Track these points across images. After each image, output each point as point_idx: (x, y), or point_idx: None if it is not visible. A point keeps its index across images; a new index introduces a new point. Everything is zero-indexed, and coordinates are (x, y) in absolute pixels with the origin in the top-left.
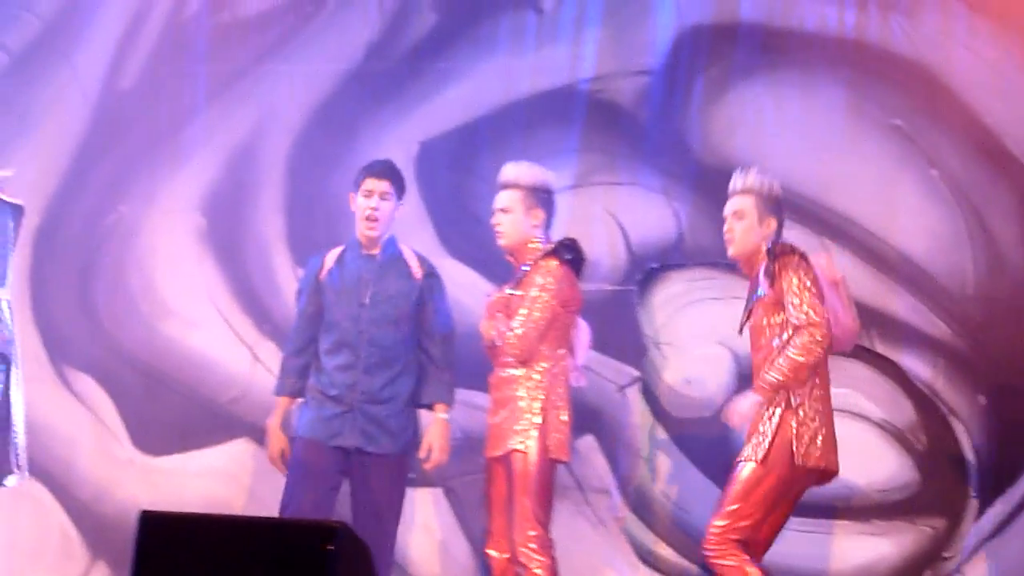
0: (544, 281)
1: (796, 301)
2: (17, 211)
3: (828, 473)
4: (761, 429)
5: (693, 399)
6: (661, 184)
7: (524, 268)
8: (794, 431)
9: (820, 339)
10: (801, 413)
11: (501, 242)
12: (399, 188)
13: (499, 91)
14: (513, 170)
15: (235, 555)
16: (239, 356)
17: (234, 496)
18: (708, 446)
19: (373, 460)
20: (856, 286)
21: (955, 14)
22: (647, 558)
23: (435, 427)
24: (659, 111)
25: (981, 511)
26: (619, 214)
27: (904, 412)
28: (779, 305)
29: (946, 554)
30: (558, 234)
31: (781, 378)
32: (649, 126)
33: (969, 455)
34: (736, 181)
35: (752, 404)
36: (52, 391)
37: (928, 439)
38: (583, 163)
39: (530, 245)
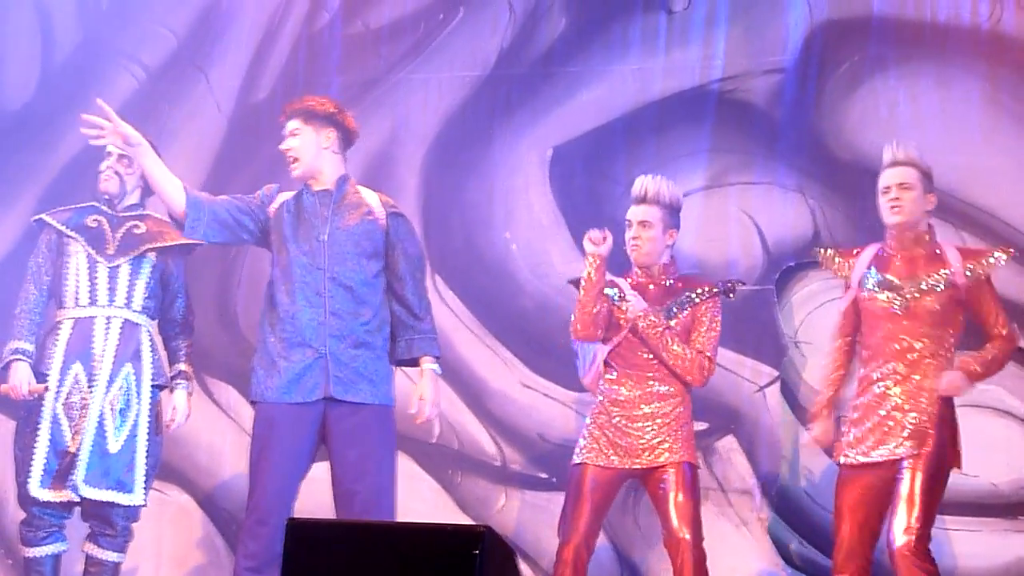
0: (717, 318)
1: (998, 313)
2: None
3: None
4: (923, 422)
5: None
6: (796, 182)
7: (689, 294)
8: (953, 428)
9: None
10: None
11: (636, 257)
12: (316, 119)
13: (631, 93)
14: (653, 185)
15: (381, 561)
16: None
17: None
18: None
19: (355, 411)
20: (998, 280)
21: None
22: (791, 559)
23: (426, 379)
24: (792, 109)
25: None
26: (755, 213)
27: None
28: (962, 304)
29: None
30: (697, 233)
31: (987, 374)
32: (782, 124)
33: None
34: (897, 152)
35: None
36: (196, 402)
37: None
38: (717, 163)
39: (663, 262)
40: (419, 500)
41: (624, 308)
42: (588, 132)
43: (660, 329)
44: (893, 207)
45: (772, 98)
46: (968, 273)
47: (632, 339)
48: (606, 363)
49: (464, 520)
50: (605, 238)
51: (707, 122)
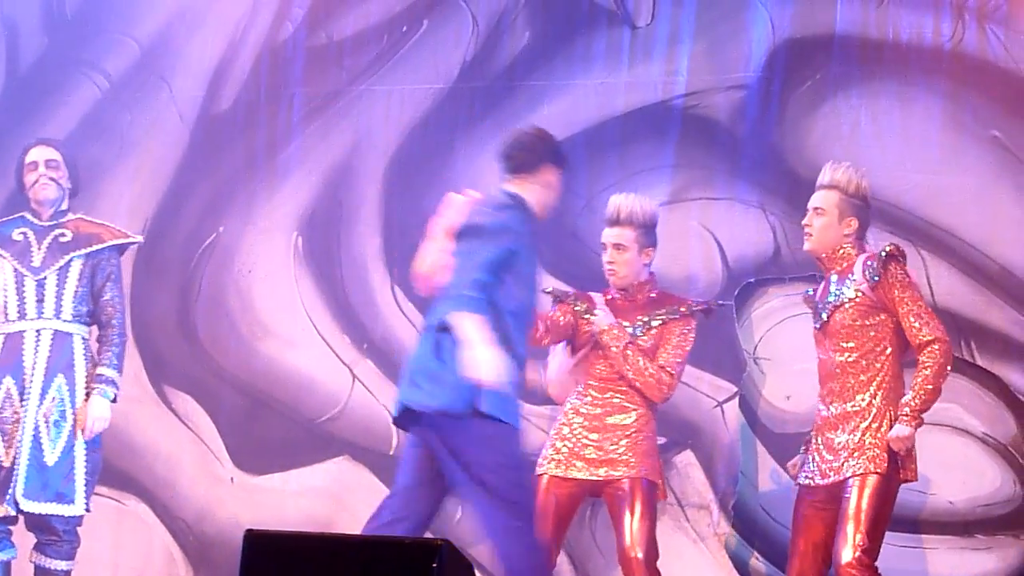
0: (688, 337)
1: (922, 315)
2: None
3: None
4: (868, 441)
5: (793, 414)
6: (758, 198)
7: (660, 315)
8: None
9: (949, 355)
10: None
11: (613, 281)
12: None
13: (594, 108)
14: (627, 205)
15: (339, 573)
16: (338, 375)
17: (335, 515)
18: None
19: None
20: (956, 299)
21: None
22: (748, 574)
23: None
24: (754, 125)
25: None
26: (716, 229)
27: (1006, 426)
28: (879, 310)
29: None
30: (658, 248)
31: (928, 405)
32: (745, 140)
33: None
34: (824, 174)
35: (909, 435)
36: (153, 411)
37: None
38: (679, 179)
39: (641, 280)
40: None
41: (591, 321)
42: None
43: (622, 344)
44: (805, 233)
45: (735, 114)
46: (872, 278)
47: (597, 352)
48: (577, 378)
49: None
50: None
51: (670, 137)
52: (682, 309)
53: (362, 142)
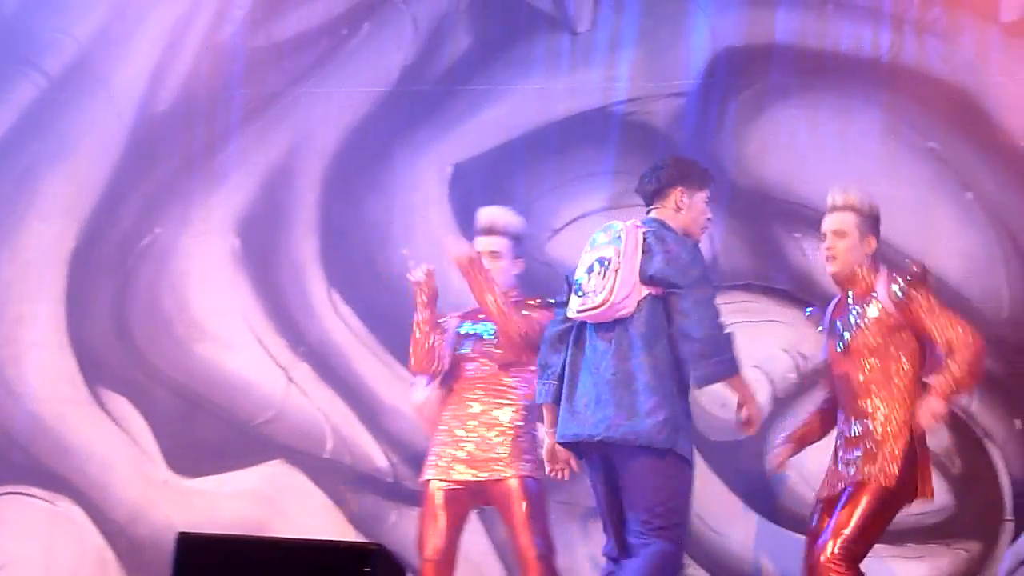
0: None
1: (954, 323)
2: None
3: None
4: (885, 453)
5: (729, 422)
6: None
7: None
8: (923, 461)
9: (982, 352)
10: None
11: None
12: None
13: (534, 113)
14: (487, 215)
15: None
16: (273, 378)
17: (268, 518)
18: (743, 469)
19: None
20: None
21: (990, 37)
22: None
23: None
24: (693, 133)
25: (1016, 534)
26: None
27: (939, 435)
28: (902, 328)
29: None
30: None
31: (955, 388)
32: (683, 148)
33: (1004, 478)
34: (835, 197)
35: (940, 408)
36: (88, 413)
37: (963, 462)
38: (617, 185)
39: (507, 289)
40: (311, 515)
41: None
42: (489, 150)
43: (485, 274)
44: (827, 256)
45: (674, 122)
46: (897, 295)
47: (468, 355)
48: (446, 386)
49: (356, 537)
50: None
51: (609, 143)
52: (537, 300)
53: (301, 144)
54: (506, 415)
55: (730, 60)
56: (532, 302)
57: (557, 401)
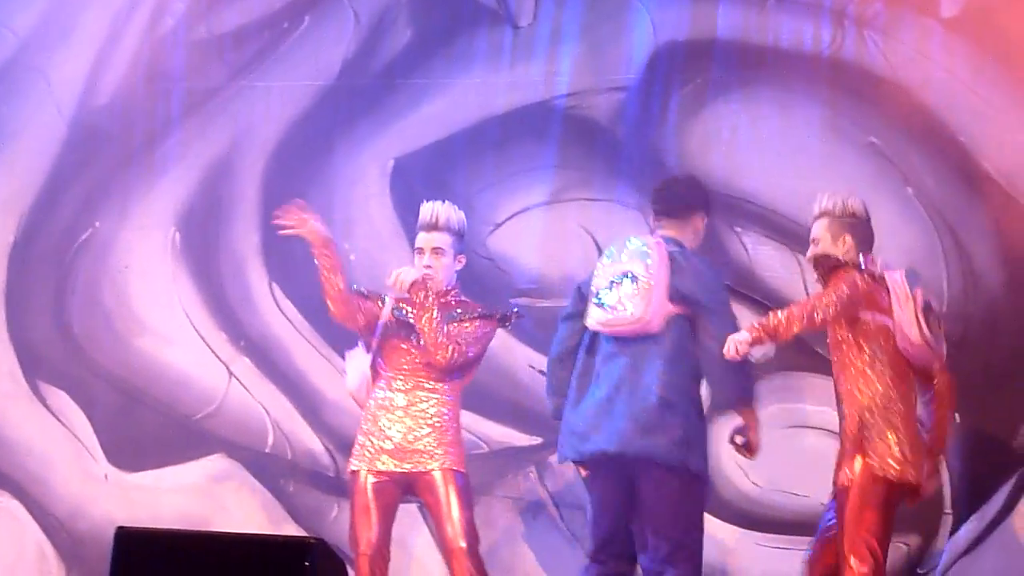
0: (482, 331)
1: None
2: None
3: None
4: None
5: None
6: (637, 201)
7: (459, 314)
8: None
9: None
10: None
11: (430, 284)
12: None
13: (475, 107)
14: (444, 212)
15: (211, 571)
16: (214, 372)
17: (209, 512)
18: None
19: None
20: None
21: (931, 33)
22: None
23: None
24: (635, 127)
25: (955, 527)
26: (595, 230)
27: None
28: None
29: (920, 570)
30: (536, 249)
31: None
32: (625, 142)
33: (943, 472)
34: (814, 208)
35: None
36: (27, 407)
37: None
38: (558, 179)
39: (449, 286)
40: (251, 510)
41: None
42: (430, 145)
43: (431, 298)
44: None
45: (615, 116)
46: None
47: (399, 344)
48: (374, 370)
49: (297, 531)
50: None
51: (550, 138)
52: (479, 310)
53: (242, 138)
54: (432, 407)
55: (672, 55)
56: (470, 313)
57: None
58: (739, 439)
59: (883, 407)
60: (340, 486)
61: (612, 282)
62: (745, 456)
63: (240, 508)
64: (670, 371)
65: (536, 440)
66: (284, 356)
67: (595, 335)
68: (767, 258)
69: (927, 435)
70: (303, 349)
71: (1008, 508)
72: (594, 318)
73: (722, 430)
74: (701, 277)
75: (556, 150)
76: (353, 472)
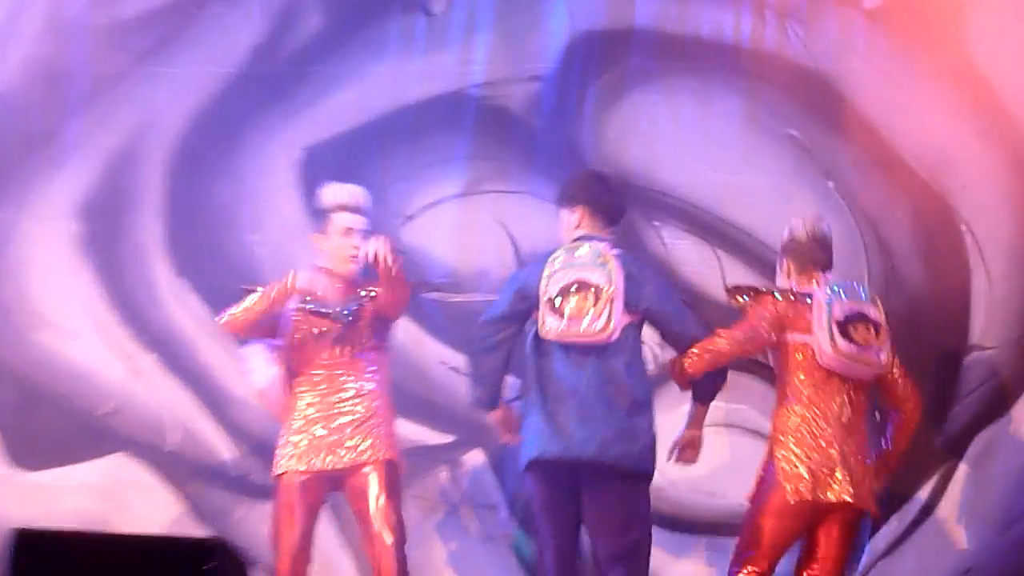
0: None
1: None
2: None
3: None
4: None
5: None
6: (553, 193)
7: (361, 294)
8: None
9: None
10: (783, 442)
11: (352, 269)
12: None
13: (387, 96)
14: (363, 193)
15: (111, 574)
16: (116, 368)
17: (111, 513)
18: None
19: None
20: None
21: (853, 24)
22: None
23: None
24: (551, 118)
25: (875, 529)
26: (509, 223)
27: None
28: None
29: None
30: (450, 242)
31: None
32: (541, 133)
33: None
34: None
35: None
36: None
37: None
38: (473, 170)
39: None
40: (154, 510)
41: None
42: (341, 134)
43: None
44: None
45: (531, 106)
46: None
47: (313, 339)
48: (293, 371)
49: (201, 532)
50: None
51: (464, 128)
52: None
53: (146, 126)
54: (362, 402)
55: (589, 44)
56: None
57: (495, 406)
58: (680, 443)
59: (796, 428)
60: (245, 486)
61: (565, 289)
62: (684, 461)
63: (142, 508)
64: (632, 377)
65: (448, 438)
66: (189, 351)
67: (541, 340)
68: (685, 252)
69: (876, 454)
70: (208, 344)
71: (929, 508)
72: (552, 327)
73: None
74: (657, 285)
75: (470, 141)
76: (279, 475)
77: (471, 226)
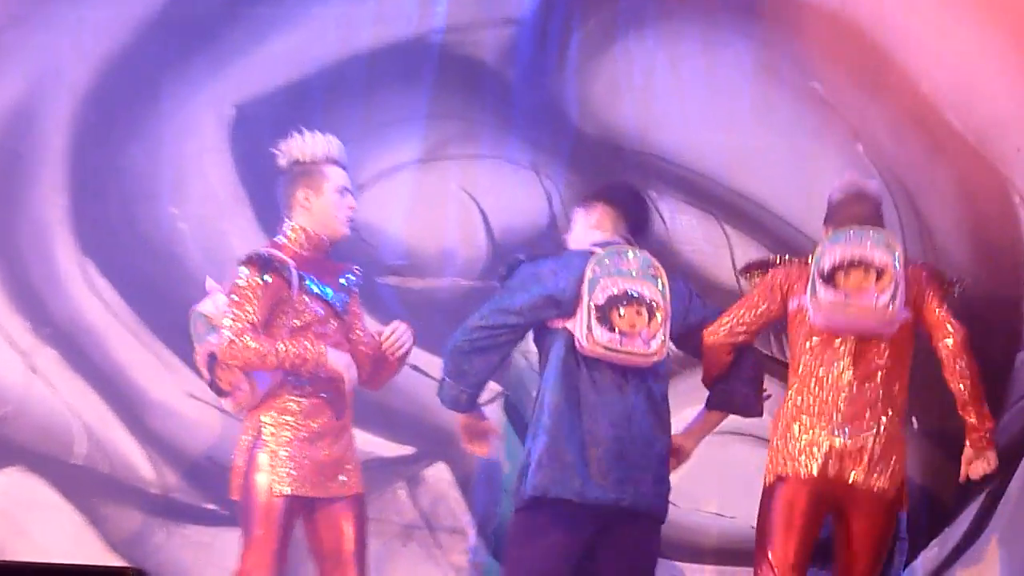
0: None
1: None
2: None
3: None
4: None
5: None
6: (530, 158)
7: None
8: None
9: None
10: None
11: (345, 228)
12: None
13: (334, 43)
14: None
15: None
16: (11, 366)
17: (6, 538)
18: None
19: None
20: None
21: None
22: None
23: None
24: (528, 70)
25: (912, 554)
26: (479, 194)
27: None
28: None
29: None
30: (408, 217)
31: None
32: (516, 88)
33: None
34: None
35: None
36: None
37: None
38: (435, 132)
39: None
40: (59, 534)
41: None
42: (280, 88)
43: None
44: None
45: (504, 55)
46: None
47: (321, 330)
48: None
49: (113, 560)
50: None
51: (425, 81)
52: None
53: (46, 80)
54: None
55: None
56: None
57: (472, 410)
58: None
59: (793, 402)
60: (166, 506)
61: (615, 298)
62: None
63: (43, 532)
64: (665, 409)
65: (407, 450)
66: (98, 347)
67: (572, 351)
68: (687, 229)
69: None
70: (123, 339)
71: (975, 532)
72: (600, 339)
73: None
74: (691, 302)
75: (433, 96)
76: (281, 496)
77: (434, 197)
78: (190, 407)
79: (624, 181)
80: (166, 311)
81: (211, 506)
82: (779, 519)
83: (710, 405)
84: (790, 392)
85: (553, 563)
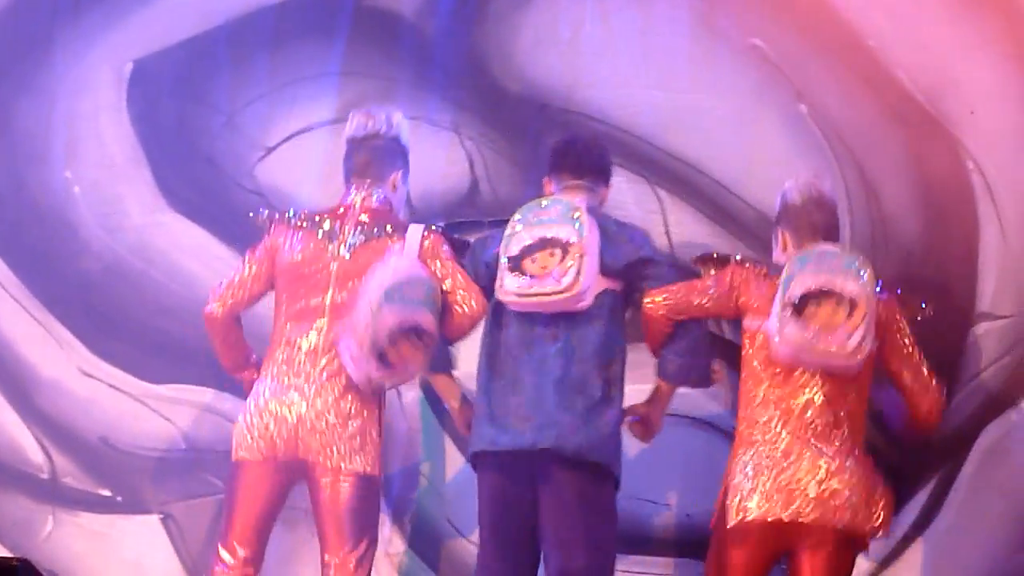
0: None
1: None
2: None
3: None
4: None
5: None
6: (451, 118)
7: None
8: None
9: None
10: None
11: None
12: None
13: None
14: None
15: None
16: None
17: None
18: None
19: None
20: (701, 251)
21: None
22: None
23: None
24: (448, 23)
25: None
26: None
27: None
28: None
29: None
30: (320, 180)
31: None
32: (436, 43)
33: None
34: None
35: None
36: None
37: None
38: (348, 90)
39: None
40: None
41: None
42: (181, 43)
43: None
44: None
45: (423, 7)
46: None
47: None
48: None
49: None
50: None
51: (339, 36)
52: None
53: None
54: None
55: None
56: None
57: (447, 370)
58: (630, 418)
59: (749, 435)
60: (56, 493)
61: (529, 247)
62: (638, 436)
63: None
64: (606, 356)
65: None
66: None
67: (500, 309)
68: (618, 192)
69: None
70: (11, 311)
71: (925, 520)
72: (510, 287)
73: None
74: (637, 246)
75: (345, 52)
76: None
77: None
78: (83, 386)
79: (570, 139)
80: (58, 282)
81: (106, 492)
82: (735, 567)
83: (657, 374)
84: (744, 421)
85: (491, 515)
